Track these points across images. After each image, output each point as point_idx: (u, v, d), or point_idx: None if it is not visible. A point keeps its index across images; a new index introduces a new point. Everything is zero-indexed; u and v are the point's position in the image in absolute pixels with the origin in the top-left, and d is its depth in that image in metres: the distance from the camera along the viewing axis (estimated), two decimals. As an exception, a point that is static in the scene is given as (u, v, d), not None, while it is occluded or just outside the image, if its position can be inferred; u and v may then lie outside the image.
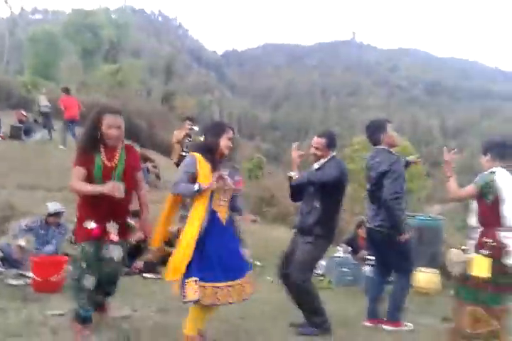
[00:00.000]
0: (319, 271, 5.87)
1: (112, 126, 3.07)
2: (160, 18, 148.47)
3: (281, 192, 8.13)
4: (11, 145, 11.55)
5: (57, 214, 4.99)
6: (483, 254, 3.15)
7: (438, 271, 5.78)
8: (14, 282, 4.33)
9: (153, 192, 9.43)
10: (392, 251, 3.92)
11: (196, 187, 2.95)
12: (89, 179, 3.05)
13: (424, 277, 5.67)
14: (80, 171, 3.04)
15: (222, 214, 3.08)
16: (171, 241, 5.76)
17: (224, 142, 3.03)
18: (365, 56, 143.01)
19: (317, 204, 3.66)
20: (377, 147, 4.00)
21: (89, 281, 3.07)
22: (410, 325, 4.03)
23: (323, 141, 3.77)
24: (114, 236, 3.10)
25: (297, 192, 3.87)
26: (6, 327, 3.17)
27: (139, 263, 5.34)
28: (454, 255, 5.88)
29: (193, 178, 3.02)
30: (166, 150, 17.89)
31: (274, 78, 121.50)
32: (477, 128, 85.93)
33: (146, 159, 10.14)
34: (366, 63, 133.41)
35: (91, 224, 3.07)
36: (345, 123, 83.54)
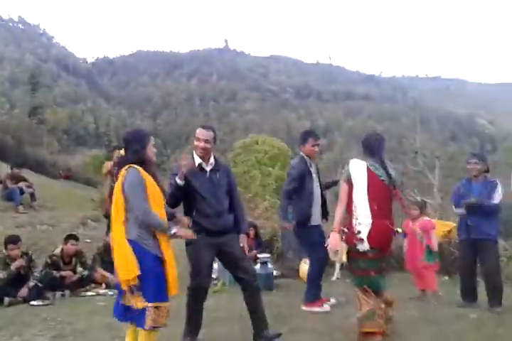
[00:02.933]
0: (213, 275, 6.03)
1: None
2: (20, 25, 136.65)
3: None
4: None
5: None
6: (343, 241, 3.47)
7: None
8: None
9: (30, 213, 8.85)
10: (299, 240, 4.67)
11: (173, 230, 2.80)
12: None
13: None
14: None
15: None
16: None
17: (151, 150, 2.91)
18: (238, 63, 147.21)
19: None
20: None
21: None
22: (327, 307, 4.44)
23: (211, 133, 3.48)
24: None
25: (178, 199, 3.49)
26: None
27: (23, 291, 5.01)
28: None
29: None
30: (37, 167, 16.65)
31: (151, 87, 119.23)
32: (343, 127, 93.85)
33: (19, 179, 9.43)
34: (240, 70, 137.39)
35: None
36: (226, 128, 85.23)
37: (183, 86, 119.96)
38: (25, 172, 10.95)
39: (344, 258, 6.46)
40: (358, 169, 3.47)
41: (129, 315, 2.74)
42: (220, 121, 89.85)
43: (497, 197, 4.53)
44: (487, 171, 4.76)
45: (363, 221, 3.39)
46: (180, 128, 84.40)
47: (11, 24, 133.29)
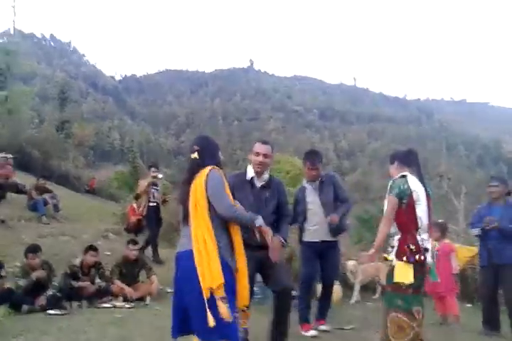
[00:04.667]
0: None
1: None
2: (52, 43, 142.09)
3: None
4: None
5: None
6: (404, 261, 3.20)
7: (338, 282, 6.23)
8: None
9: (52, 224, 9.01)
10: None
11: (258, 222, 2.67)
12: None
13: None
14: None
15: None
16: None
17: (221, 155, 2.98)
18: (262, 83, 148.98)
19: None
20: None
21: None
22: (313, 332, 4.27)
23: (270, 148, 3.54)
24: None
25: None
26: None
27: (42, 299, 5.07)
28: (351, 266, 6.44)
29: None
30: (62, 180, 17.02)
31: (176, 105, 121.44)
32: (366, 149, 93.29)
33: (44, 190, 9.65)
34: (264, 90, 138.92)
35: None
36: (249, 146, 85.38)
37: (206, 105, 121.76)
38: (50, 185, 11.21)
39: (361, 280, 6.38)
40: (417, 184, 3.33)
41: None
42: (242, 140, 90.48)
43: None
44: (509, 193, 4.68)
45: (426, 237, 3.31)
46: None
47: (43, 42, 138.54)
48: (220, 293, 2.40)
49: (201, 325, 2.43)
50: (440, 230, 5.30)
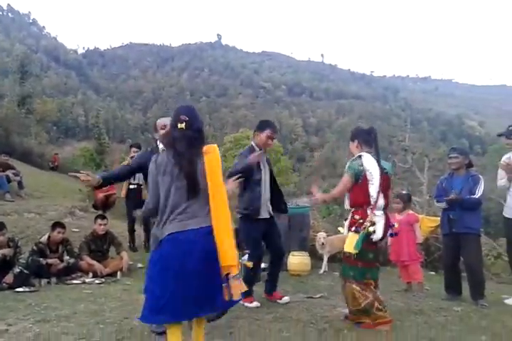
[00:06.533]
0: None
1: None
2: (10, 14, 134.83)
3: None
4: None
5: None
6: (352, 231, 3.47)
7: (307, 254, 6.37)
8: None
9: (17, 202, 8.77)
10: (242, 233, 4.32)
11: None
12: None
13: (296, 260, 6.20)
14: None
15: None
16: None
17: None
18: (230, 58, 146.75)
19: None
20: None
21: None
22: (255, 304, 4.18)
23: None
24: None
25: None
26: None
27: (9, 277, 4.97)
28: (321, 238, 6.57)
29: None
30: (25, 157, 16.47)
31: (141, 80, 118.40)
32: (334, 125, 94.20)
33: (6, 167, 9.33)
34: (232, 66, 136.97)
35: None
36: (217, 123, 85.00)
37: (174, 80, 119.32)
38: (13, 162, 10.84)
39: (329, 251, 6.54)
40: (372, 163, 3.50)
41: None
42: (210, 116, 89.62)
43: (479, 192, 4.59)
44: (470, 166, 4.82)
45: (378, 212, 3.49)
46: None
47: (0, 13, 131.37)
48: (236, 271, 2.41)
49: (212, 304, 2.47)
50: (403, 201, 5.45)
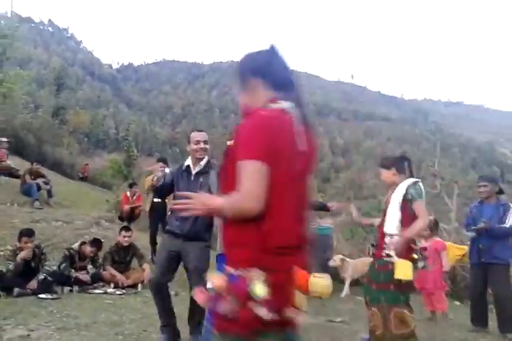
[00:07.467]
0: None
1: None
2: (50, 28, 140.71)
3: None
4: None
5: None
6: (407, 259, 3.26)
7: (329, 276, 6.25)
8: None
9: (45, 209, 8.97)
10: None
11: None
12: None
13: (317, 281, 6.09)
14: None
15: None
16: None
17: None
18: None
19: None
20: None
21: None
22: None
23: (206, 135, 3.75)
24: None
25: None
26: None
27: (33, 283, 5.06)
28: (338, 261, 6.46)
29: None
30: (56, 167, 16.90)
31: (172, 96, 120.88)
32: (362, 147, 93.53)
33: (37, 175, 9.60)
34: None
35: None
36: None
37: (203, 97, 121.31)
38: (44, 171, 11.14)
39: (351, 275, 6.41)
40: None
41: None
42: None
43: (509, 221, 4.47)
44: (501, 192, 4.72)
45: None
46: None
47: (41, 27, 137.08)
48: None
49: None
50: (430, 228, 5.33)
